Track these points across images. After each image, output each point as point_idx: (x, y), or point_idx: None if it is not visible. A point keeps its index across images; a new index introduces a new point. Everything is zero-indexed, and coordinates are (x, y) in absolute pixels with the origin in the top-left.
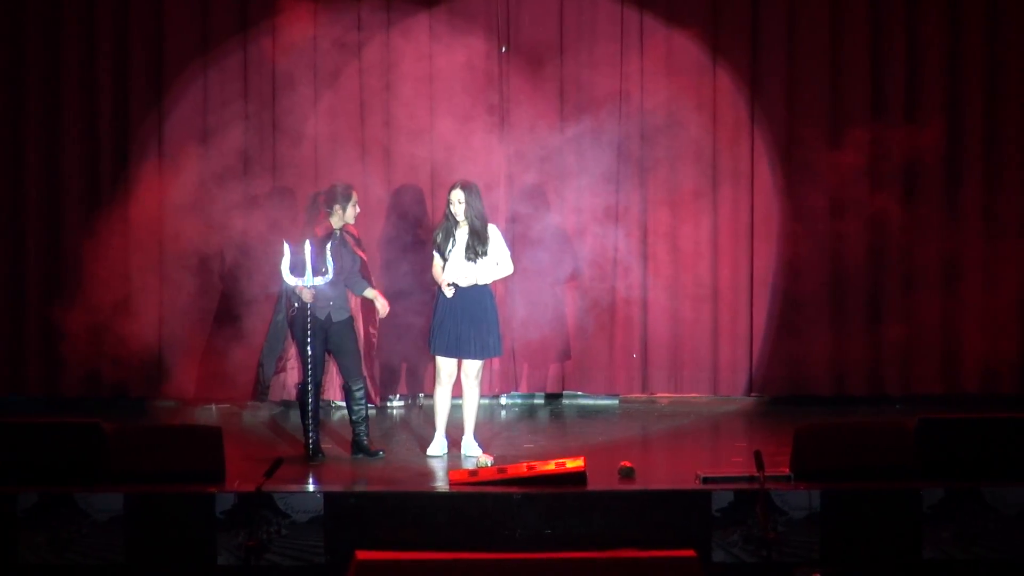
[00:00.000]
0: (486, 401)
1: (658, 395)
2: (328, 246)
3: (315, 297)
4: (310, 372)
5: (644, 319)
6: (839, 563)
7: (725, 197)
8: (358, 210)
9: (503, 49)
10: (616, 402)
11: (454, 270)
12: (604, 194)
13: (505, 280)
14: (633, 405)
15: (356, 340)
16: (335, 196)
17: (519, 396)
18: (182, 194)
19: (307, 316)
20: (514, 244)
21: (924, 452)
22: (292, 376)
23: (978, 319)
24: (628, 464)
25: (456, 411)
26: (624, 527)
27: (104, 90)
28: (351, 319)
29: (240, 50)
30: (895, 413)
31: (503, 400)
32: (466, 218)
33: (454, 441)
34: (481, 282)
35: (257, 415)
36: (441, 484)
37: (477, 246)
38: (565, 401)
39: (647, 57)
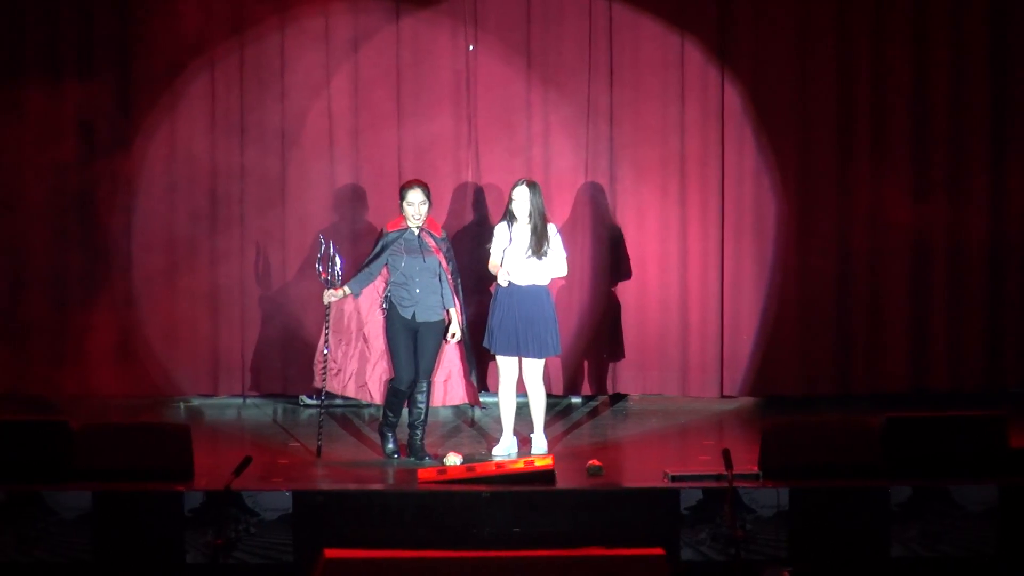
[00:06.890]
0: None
1: (627, 394)
2: (389, 245)
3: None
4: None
5: (613, 318)
6: (807, 561)
7: (694, 191)
8: (412, 210)
9: (470, 48)
10: (583, 400)
11: (513, 268)
12: (572, 188)
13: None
14: (601, 404)
15: (437, 345)
16: (402, 193)
17: (485, 396)
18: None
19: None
20: (480, 240)
21: (891, 450)
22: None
23: (946, 317)
24: (596, 463)
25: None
26: (592, 525)
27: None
28: (441, 322)
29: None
30: (862, 411)
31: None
32: (529, 217)
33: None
34: (540, 282)
35: (224, 413)
36: (410, 483)
37: (542, 245)
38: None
39: (615, 45)
